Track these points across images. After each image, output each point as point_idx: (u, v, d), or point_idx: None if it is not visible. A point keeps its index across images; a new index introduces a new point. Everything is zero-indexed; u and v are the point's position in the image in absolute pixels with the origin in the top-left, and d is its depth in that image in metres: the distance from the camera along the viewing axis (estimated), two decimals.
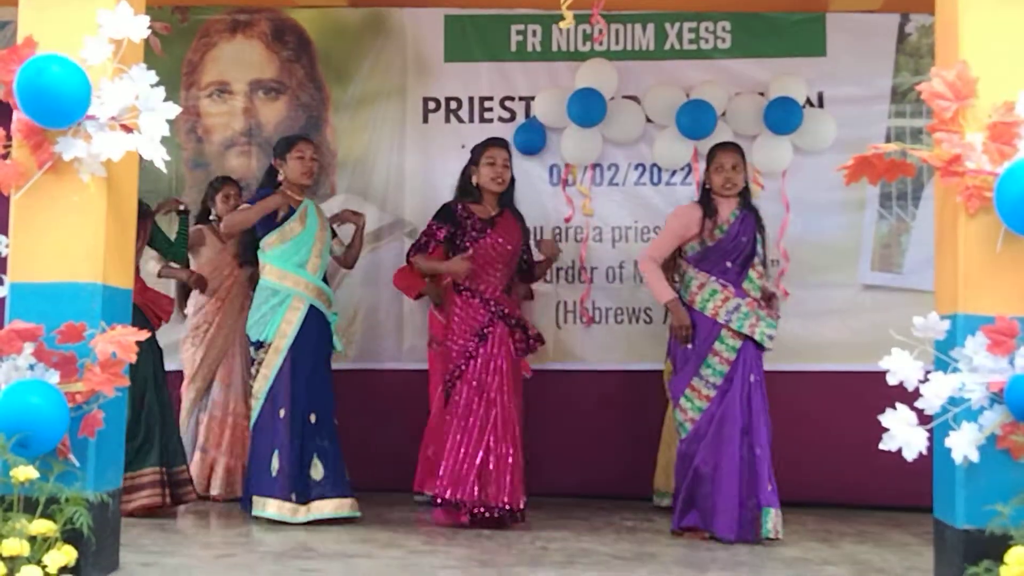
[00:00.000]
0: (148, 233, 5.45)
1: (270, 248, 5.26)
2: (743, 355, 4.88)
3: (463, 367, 5.13)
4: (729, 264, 4.96)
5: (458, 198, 5.29)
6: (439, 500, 5.06)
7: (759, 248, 5.01)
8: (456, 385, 5.15)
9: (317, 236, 5.27)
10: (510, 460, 5.02)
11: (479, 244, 5.18)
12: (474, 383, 5.10)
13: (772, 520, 4.75)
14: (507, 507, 4.98)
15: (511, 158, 5.34)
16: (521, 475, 5.07)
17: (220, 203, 6.03)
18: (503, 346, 5.15)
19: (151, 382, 5.22)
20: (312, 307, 5.21)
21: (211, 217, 6.13)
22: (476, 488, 4.98)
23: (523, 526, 5.07)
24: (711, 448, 4.85)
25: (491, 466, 5.00)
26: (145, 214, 5.37)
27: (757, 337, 4.86)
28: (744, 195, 5.07)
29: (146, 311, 5.28)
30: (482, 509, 4.97)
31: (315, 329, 5.21)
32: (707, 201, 5.05)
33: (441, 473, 5.07)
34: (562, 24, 4.29)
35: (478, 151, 5.31)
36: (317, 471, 5.12)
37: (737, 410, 4.82)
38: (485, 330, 5.13)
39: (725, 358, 4.89)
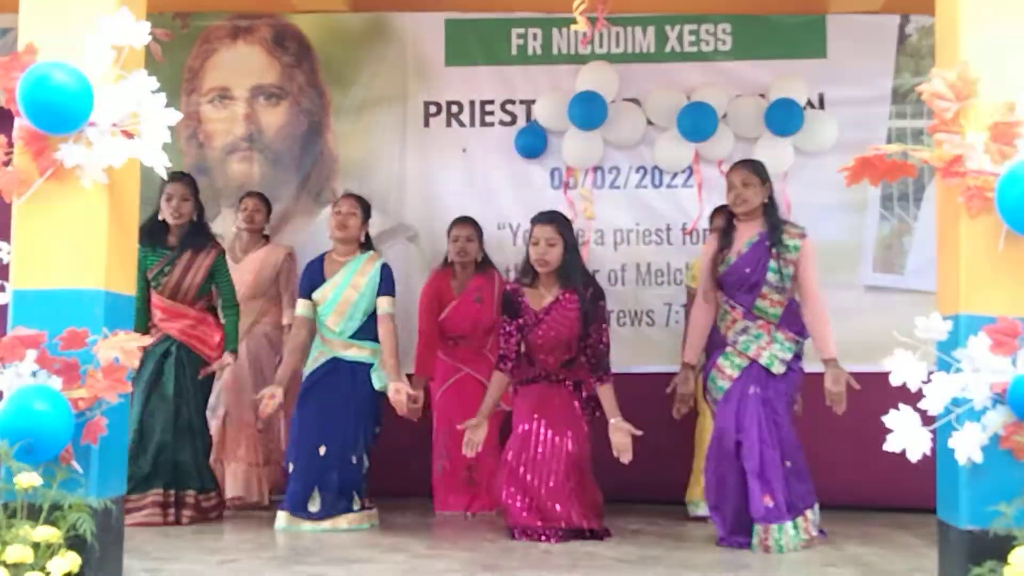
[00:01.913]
0: (214, 262, 5.43)
1: None
2: (747, 372, 4.79)
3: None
4: (738, 292, 4.86)
5: (518, 279, 5.19)
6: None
7: (770, 276, 4.78)
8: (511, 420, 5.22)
9: (343, 296, 5.30)
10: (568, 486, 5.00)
11: (529, 338, 5.12)
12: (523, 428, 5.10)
13: (780, 534, 4.64)
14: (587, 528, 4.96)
15: (563, 230, 5.05)
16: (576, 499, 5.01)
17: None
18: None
19: (172, 407, 5.25)
20: (334, 358, 5.30)
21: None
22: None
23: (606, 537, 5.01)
24: (714, 461, 4.83)
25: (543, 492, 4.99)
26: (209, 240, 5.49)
27: (763, 361, 4.75)
28: (769, 213, 4.84)
29: (194, 349, 5.34)
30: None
31: (335, 375, 5.29)
32: (728, 228, 4.91)
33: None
34: (574, 27, 4.34)
35: (530, 229, 5.13)
36: (315, 504, 5.21)
37: (732, 424, 4.75)
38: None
39: (728, 375, 4.81)
